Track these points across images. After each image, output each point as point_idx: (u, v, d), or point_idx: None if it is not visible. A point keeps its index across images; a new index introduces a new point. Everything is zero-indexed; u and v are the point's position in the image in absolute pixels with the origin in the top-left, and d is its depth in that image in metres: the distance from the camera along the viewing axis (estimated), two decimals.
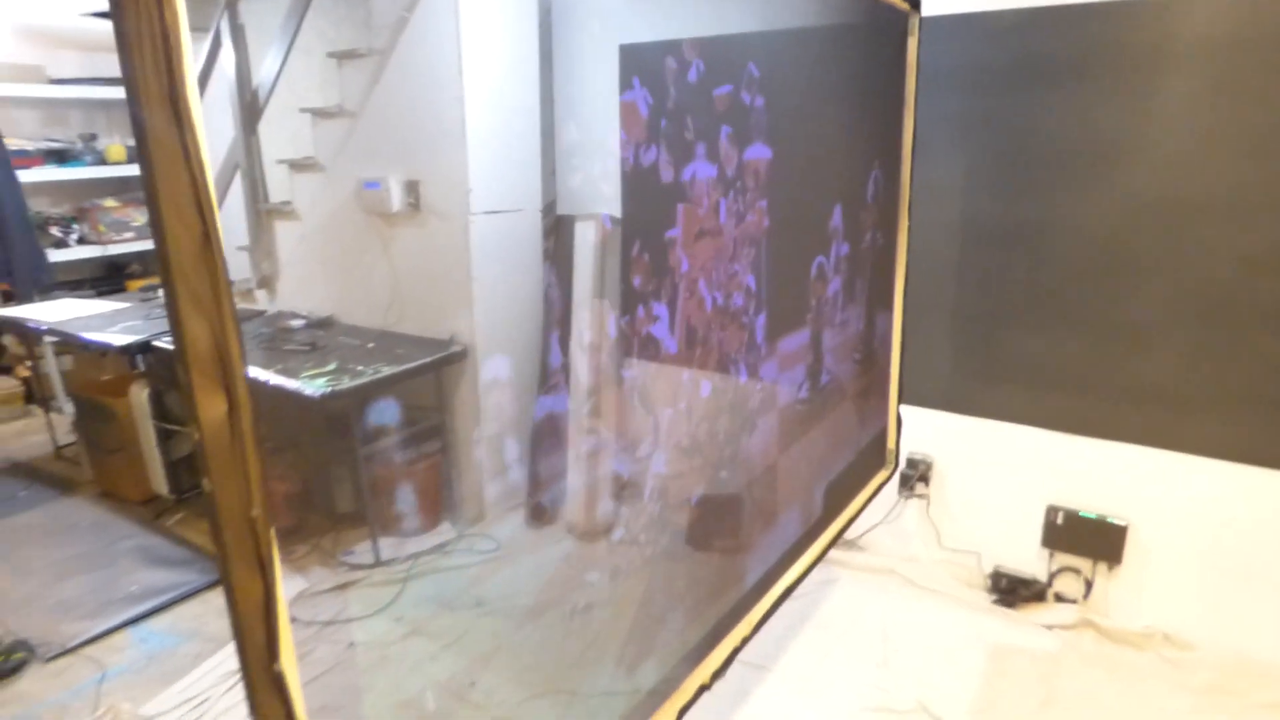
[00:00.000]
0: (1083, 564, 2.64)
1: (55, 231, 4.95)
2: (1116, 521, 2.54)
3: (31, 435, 4.65)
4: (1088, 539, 2.59)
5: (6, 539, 3.39)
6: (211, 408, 0.70)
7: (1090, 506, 2.59)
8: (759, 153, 1.80)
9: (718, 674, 1.64)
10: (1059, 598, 2.68)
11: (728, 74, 1.95)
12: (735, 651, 1.71)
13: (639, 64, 2.62)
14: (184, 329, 0.67)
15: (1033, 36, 2.39)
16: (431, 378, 3.23)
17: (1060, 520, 2.62)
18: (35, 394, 4.79)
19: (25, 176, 4.61)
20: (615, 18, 3.04)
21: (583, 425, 3.12)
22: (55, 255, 4.83)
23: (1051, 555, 2.68)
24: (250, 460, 0.73)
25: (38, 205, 4.90)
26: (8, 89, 4.64)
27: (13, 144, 4.61)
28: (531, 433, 3.31)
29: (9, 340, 4.88)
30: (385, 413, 3.23)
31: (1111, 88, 2.32)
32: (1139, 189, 2.35)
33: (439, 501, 3.32)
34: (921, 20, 2.24)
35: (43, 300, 4.43)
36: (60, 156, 5.00)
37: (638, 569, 2.61)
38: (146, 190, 0.65)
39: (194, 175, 0.65)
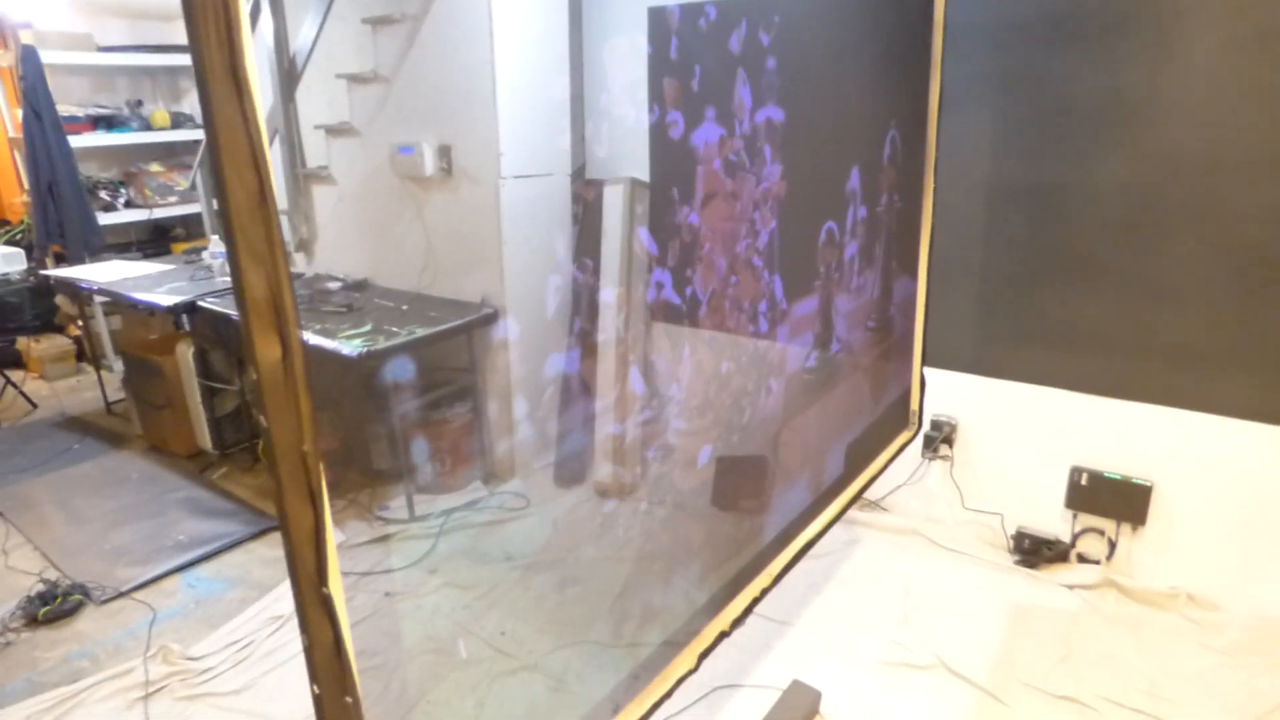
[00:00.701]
0: (1106, 525, 2.66)
1: (104, 195, 5.11)
2: (1141, 482, 2.55)
3: (84, 391, 4.85)
4: (1112, 500, 2.61)
5: (62, 490, 3.57)
6: (268, 351, 0.76)
7: (1115, 467, 2.60)
8: (781, 113, 1.82)
9: (737, 622, 1.71)
10: (1082, 558, 2.71)
11: (753, 35, 1.95)
12: (755, 601, 1.78)
13: (666, 26, 2.62)
14: (243, 279, 0.74)
15: None
16: (463, 339, 3.31)
17: (1084, 481, 2.64)
18: (86, 352, 4.99)
19: (75, 142, 4.76)
20: None
21: (609, 386, 3.18)
22: (104, 218, 4.98)
23: (1075, 516, 2.70)
24: (302, 400, 0.79)
25: (87, 170, 5.05)
26: (59, 56, 4.76)
27: (64, 110, 4.74)
28: (560, 393, 3.39)
29: (61, 300, 5.07)
30: (419, 372, 3.32)
31: (1139, 42, 2.28)
32: (1167, 145, 2.32)
33: (471, 459, 3.42)
34: None
35: (93, 262, 4.59)
36: (108, 122, 5.14)
37: (662, 525, 2.68)
38: (210, 153, 0.71)
39: (251, 138, 0.71)
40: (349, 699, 0.88)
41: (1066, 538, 2.72)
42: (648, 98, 2.96)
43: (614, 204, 3.24)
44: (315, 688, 0.86)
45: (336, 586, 0.86)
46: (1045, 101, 2.47)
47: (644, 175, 3.15)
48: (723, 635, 1.65)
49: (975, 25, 2.49)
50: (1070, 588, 2.61)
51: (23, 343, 5.13)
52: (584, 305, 3.34)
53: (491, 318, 3.26)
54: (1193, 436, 2.46)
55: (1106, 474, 2.60)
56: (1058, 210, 2.52)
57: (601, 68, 3.34)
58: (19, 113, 4.64)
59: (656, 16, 2.82)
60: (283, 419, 0.78)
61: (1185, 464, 2.49)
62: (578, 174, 3.46)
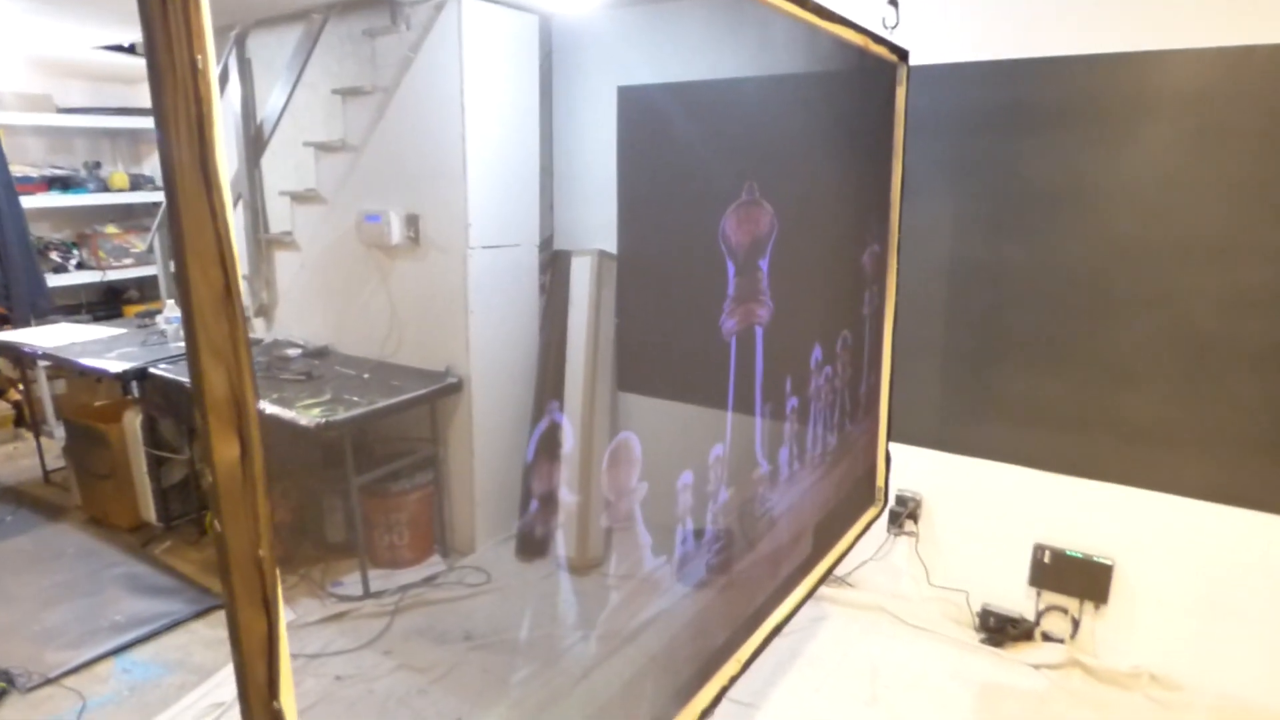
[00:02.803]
0: (1070, 603, 2.66)
1: (55, 256, 4.99)
2: (1102, 560, 2.57)
3: (21, 459, 4.63)
4: (1074, 578, 2.62)
5: None
6: (225, 450, 0.73)
7: (1076, 545, 2.62)
8: (749, 196, 1.85)
9: (706, 712, 1.65)
10: (1046, 637, 2.70)
11: (721, 117, 2.01)
12: (724, 690, 1.73)
13: (636, 105, 2.69)
14: (203, 376, 0.71)
15: (1018, 86, 2.48)
16: (426, 409, 3.25)
17: (1047, 559, 2.65)
18: (26, 418, 4.78)
19: (28, 202, 4.66)
20: (614, 61, 3.13)
21: (576, 460, 3.14)
22: (54, 280, 4.86)
23: (1039, 594, 2.70)
24: (260, 502, 0.75)
25: (39, 230, 4.94)
26: (17, 118, 4.71)
27: (18, 170, 4.66)
28: (524, 466, 3.33)
29: (1, 363, 4.88)
30: (379, 442, 3.24)
31: (1094, 135, 2.40)
32: (1119, 232, 2.42)
33: (430, 533, 3.32)
34: (910, 70, 2.32)
35: (39, 324, 4.44)
36: (64, 183, 5.06)
37: (628, 603, 2.61)
38: (175, 245, 0.69)
39: (219, 233, 0.69)
40: None
41: (1031, 615, 2.72)
42: (616, 172, 3.02)
43: (581, 275, 3.26)
44: None
45: (289, 700, 0.81)
46: (1003, 187, 2.57)
47: (612, 247, 3.18)
48: None
49: (936, 113, 2.60)
50: (1036, 667, 2.59)
51: None
52: (550, 376, 3.31)
53: (455, 387, 3.21)
54: (1152, 516, 2.50)
55: (1069, 552, 2.62)
56: (1017, 291, 2.60)
57: (571, 141, 3.41)
58: None
59: (626, 95, 2.90)
60: (238, 522, 0.75)
61: (1145, 543, 2.52)
62: (545, 245, 3.49)
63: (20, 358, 4.18)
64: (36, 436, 4.46)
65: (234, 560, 0.75)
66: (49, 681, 2.58)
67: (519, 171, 3.33)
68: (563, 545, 3.17)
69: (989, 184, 2.58)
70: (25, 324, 4.48)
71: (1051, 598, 2.69)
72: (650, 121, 2.72)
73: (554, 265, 3.41)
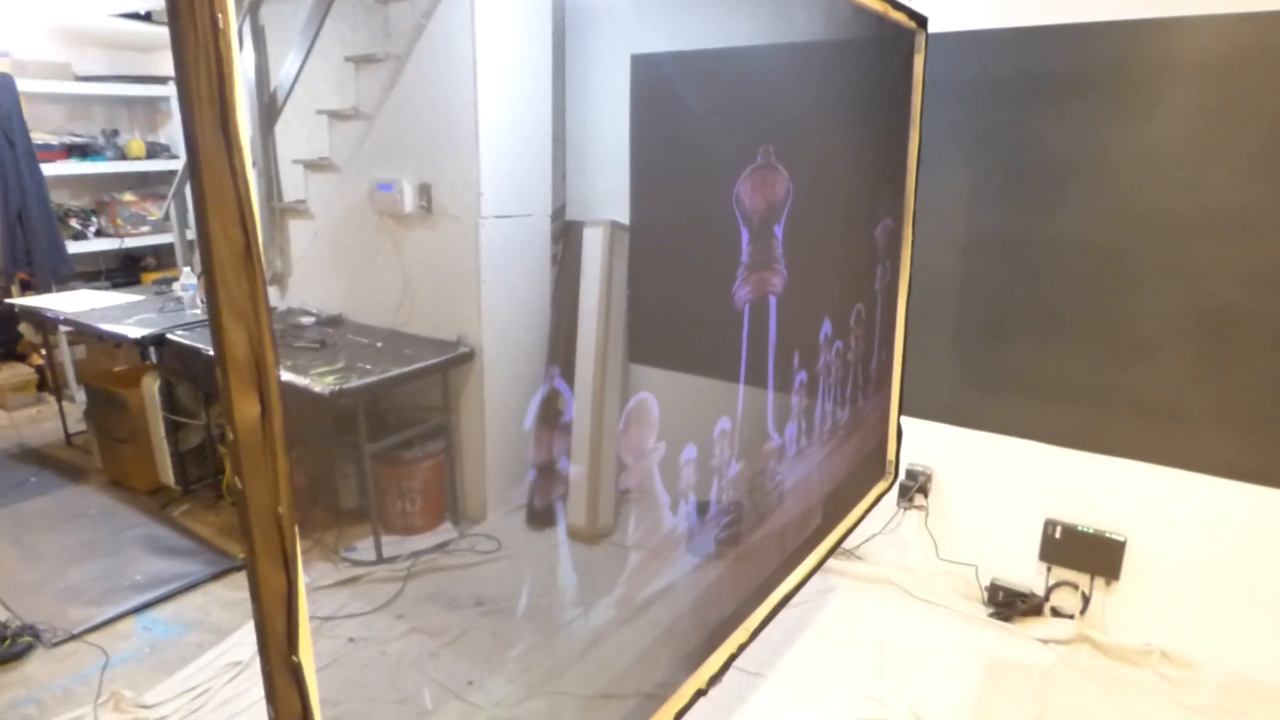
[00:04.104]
0: (1080, 579, 2.67)
1: (74, 224, 5.02)
2: (1114, 536, 2.57)
3: (44, 422, 4.70)
4: (1085, 554, 2.62)
5: (17, 524, 3.44)
6: (246, 409, 0.74)
7: (1088, 521, 2.62)
8: (768, 170, 1.84)
9: (714, 679, 1.68)
10: (1056, 612, 2.71)
11: (736, 86, 1.99)
12: (732, 658, 1.75)
13: (649, 74, 2.66)
14: (224, 335, 0.72)
15: (1037, 54, 2.44)
16: (438, 378, 3.27)
17: (1058, 534, 2.65)
18: (48, 382, 4.85)
19: (48, 170, 4.69)
20: (628, 28, 3.08)
21: (585, 431, 3.15)
22: (73, 247, 4.90)
23: (1049, 569, 2.71)
24: (279, 460, 0.77)
25: (59, 198, 4.97)
26: (37, 85, 4.72)
27: (38, 138, 4.68)
28: (534, 435, 3.35)
29: (25, 328, 4.94)
30: (391, 410, 3.27)
31: (1113, 104, 2.36)
32: (1140, 204, 2.38)
33: (442, 500, 3.36)
34: (928, 37, 2.28)
35: (60, 290, 4.49)
36: (82, 151, 5.08)
37: (637, 573, 2.64)
38: (196, 205, 0.69)
39: (239, 192, 0.70)
40: None
41: (1041, 591, 2.73)
42: (629, 142, 2.99)
43: (593, 246, 3.25)
44: None
45: (307, 655, 0.82)
46: (1021, 158, 2.53)
47: (625, 218, 3.16)
48: (700, 694, 1.62)
49: (954, 83, 2.56)
50: (1045, 642, 2.60)
51: None
52: (561, 347, 3.32)
53: (467, 356, 3.22)
54: (1166, 492, 2.49)
55: (1080, 528, 2.62)
56: (1032, 264, 2.58)
57: (583, 110, 3.38)
58: None
59: (640, 63, 2.86)
60: (258, 481, 0.76)
61: (1159, 519, 2.52)
62: (558, 215, 3.47)
63: (43, 323, 4.24)
64: (59, 400, 4.53)
65: (254, 517, 0.77)
66: (73, 637, 2.64)
67: (531, 141, 3.31)
68: (572, 514, 3.20)
69: (1006, 155, 2.54)
70: (47, 290, 4.53)
71: (1062, 573, 2.69)
72: (664, 90, 2.69)
73: (566, 236, 3.40)
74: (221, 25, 0.64)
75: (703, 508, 2.09)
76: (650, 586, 2.46)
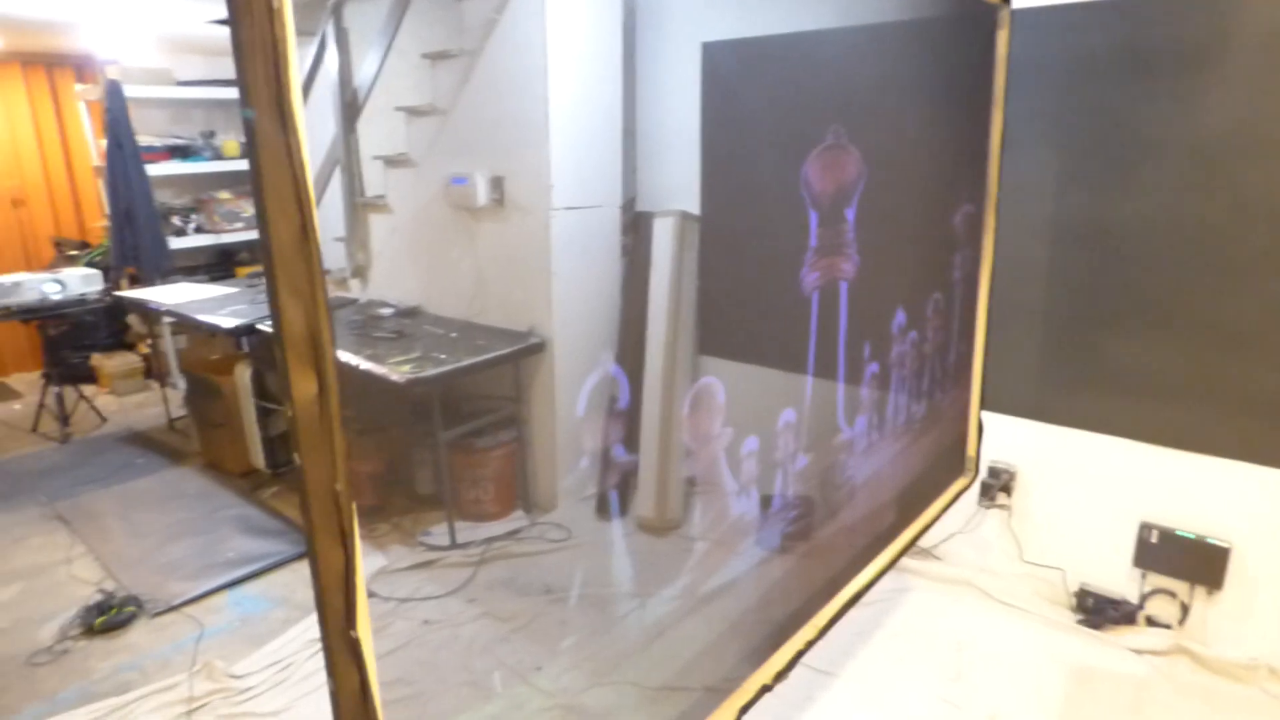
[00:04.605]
0: (1179, 587, 2.50)
1: (176, 221, 5.32)
2: (1218, 543, 2.40)
3: (149, 407, 5.01)
4: (1185, 560, 2.45)
5: (125, 502, 3.68)
6: (304, 387, 0.76)
7: (1188, 525, 2.45)
8: (839, 151, 1.78)
9: (781, 675, 1.64)
10: (1151, 621, 2.55)
11: (808, 71, 1.93)
12: (800, 654, 1.71)
13: (721, 62, 2.62)
14: (282, 313, 0.73)
15: (1133, 26, 2.28)
16: (510, 368, 3.32)
17: (1155, 539, 2.49)
18: (154, 370, 5.17)
19: (153, 170, 4.98)
20: (698, 17, 3.05)
21: (655, 421, 3.15)
22: (175, 242, 5.18)
23: (1144, 576, 2.55)
24: (336, 437, 0.78)
25: (162, 197, 5.27)
26: (141, 90, 5.01)
27: (143, 140, 4.98)
28: (604, 425, 3.36)
29: (133, 319, 5.28)
30: (465, 400, 3.34)
31: (1220, 78, 2.19)
32: (1248, 186, 2.20)
33: (513, 489, 3.41)
34: (1012, 13, 2.16)
35: (163, 284, 4.77)
36: (183, 152, 5.37)
37: (704, 565, 2.62)
38: (253, 185, 0.71)
39: (295, 173, 0.71)
40: None
41: (1134, 598, 2.57)
42: (700, 131, 2.96)
43: (663, 237, 3.23)
44: None
45: (365, 629, 0.84)
46: (1114, 139, 2.38)
47: (695, 208, 3.14)
48: (765, 689, 1.59)
49: (1040, 60, 2.43)
50: (1138, 652, 2.45)
51: (96, 359, 5.35)
52: (631, 338, 3.32)
53: (538, 347, 3.26)
54: (1275, 495, 2.30)
55: (1179, 532, 2.46)
56: (1127, 251, 2.42)
57: (654, 100, 3.36)
58: (103, 142, 4.88)
59: (710, 51, 2.83)
60: (316, 457, 0.77)
61: (1267, 525, 2.33)
62: (628, 206, 3.47)
63: (148, 314, 4.52)
64: (162, 387, 4.82)
65: (312, 493, 0.78)
66: (171, 609, 2.81)
67: (601, 132, 3.32)
68: (642, 506, 3.20)
69: (1099, 136, 2.39)
70: (151, 284, 4.82)
71: (1158, 580, 2.53)
72: (736, 78, 2.64)
73: (636, 227, 3.39)
74: (276, 6, 0.65)
75: (770, 500, 2.05)
76: (717, 579, 2.44)
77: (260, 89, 0.68)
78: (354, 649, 0.83)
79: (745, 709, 1.53)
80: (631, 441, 3.21)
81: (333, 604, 0.82)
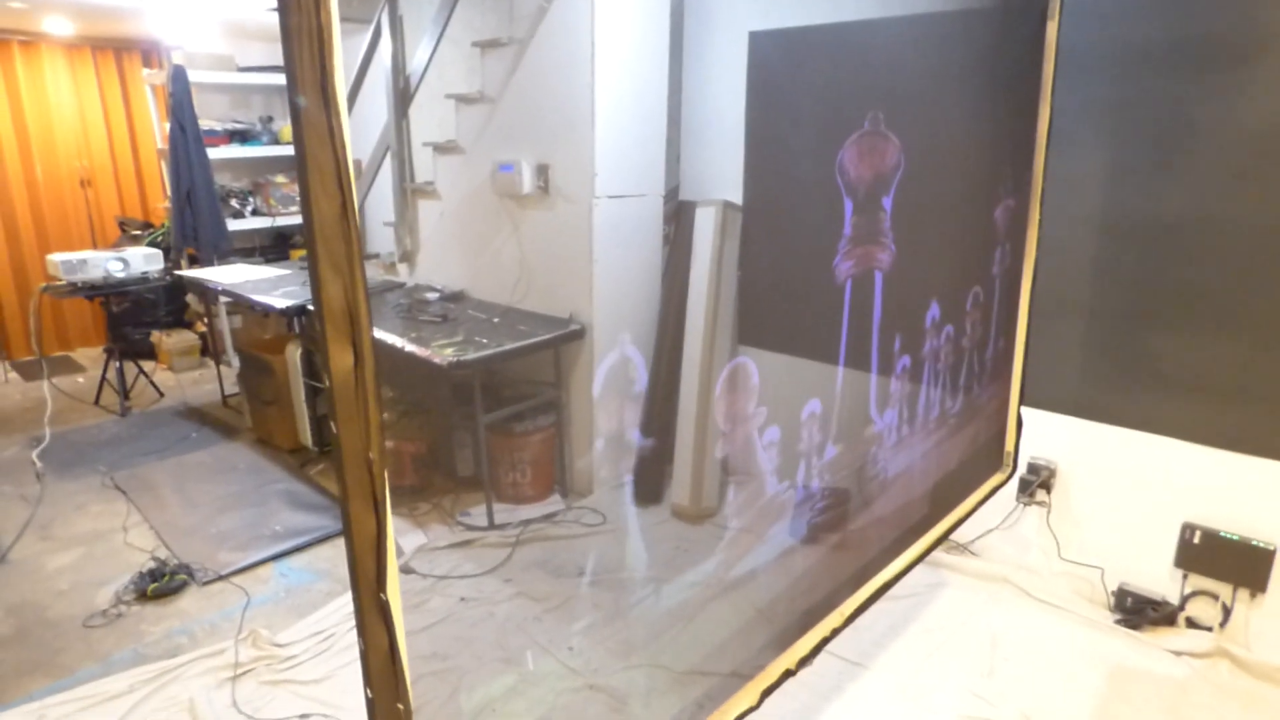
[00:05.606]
0: (1221, 589, 2.44)
1: (234, 203, 5.49)
2: (1263, 545, 2.33)
3: (205, 384, 5.21)
4: (1228, 562, 2.39)
5: (180, 474, 3.84)
6: (341, 359, 0.80)
7: (1232, 527, 2.38)
8: (877, 138, 1.77)
9: (804, 661, 1.66)
10: (1191, 623, 2.49)
11: (854, 61, 1.92)
12: (825, 640, 1.72)
13: (768, 51, 2.61)
14: (322, 289, 0.77)
15: (1190, 14, 2.21)
16: (550, 354, 3.36)
17: (1197, 539, 2.43)
18: (209, 348, 5.36)
19: (213, 154, 5.15)
20: (746, 5, 3.04)
21: (692, 408, 3.16)
22: (233, 224, 5.36)
23: (1185, 577, 2.49)
24: (371, 408, 0.82)
25: (221, 179, 5.45)
26: (204, 75, 5.17)
27: (205, 124, 5.14)
28: (642, 413, 3.39)
29: (191, 299, 5.47)
30: (506, 384, 3.39)
31: (1276, 70, 2.10)
32: None
33: (551, 472, 3.46)
34: (1063, 2, 2.11)
35: (220, 264, 4.94)
36: (243, 136, 5.53)
37: (738, 554, 2.63)
38: (298, 164, 0.75)
39: (337, 153, 0.75)
40: (400, 705, 0.90)
41: (1175, 599, 2.51)
42: (745, 121, 2.95)
43: (705, 226, 3.24)
44: (369, 692, 0.88)
45: (394, 593, 0.88)
46: (1168, 132, 2.32)
47: (738, 198, 3.14)
48: (788, 673, 1.61)
49: (1090, 50, 2.37)
50: (1177, 654, 2.40)
51: (156, 336, 5.57)
52: (670, 325, 3.34)
53: (578, 334, 3.30)
54: None
55: (1223, 533, 2.39)
56: (1176, 246, 2.35)
57: (700, 90, 3.36)
58: (167, 126, 5.06)
59: (757, 40, 2.82)
60: (352, 426, 0.82)
61: None
62: (671, 195, 3.48)
63: (205, 293, 4.68)
64: (217, 364, 5.00)
65: (347, 461, 0.83)
66: (221, 578, 2.93)
67: (646, 121, 3.33)
68: (677, 494, 3.22)
69: (1149, 128, 2.33)
70: (209, 264, 4.99)
71: (1199, 581, 2.47)
72: (781, 67, 2.63)
73: (678, 216, 3.40)
74: None
75: (805, 489, 2.06)
76: (749, 565, 2.45)
77: (306, 73, 0.71)
78: (384, 611, 0.87)
79: (768, 692, 1.54)
80: (668, 430, 3.24)
81: (365, 568, 0.86)
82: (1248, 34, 2.15)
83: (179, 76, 4.88)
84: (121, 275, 4.54)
